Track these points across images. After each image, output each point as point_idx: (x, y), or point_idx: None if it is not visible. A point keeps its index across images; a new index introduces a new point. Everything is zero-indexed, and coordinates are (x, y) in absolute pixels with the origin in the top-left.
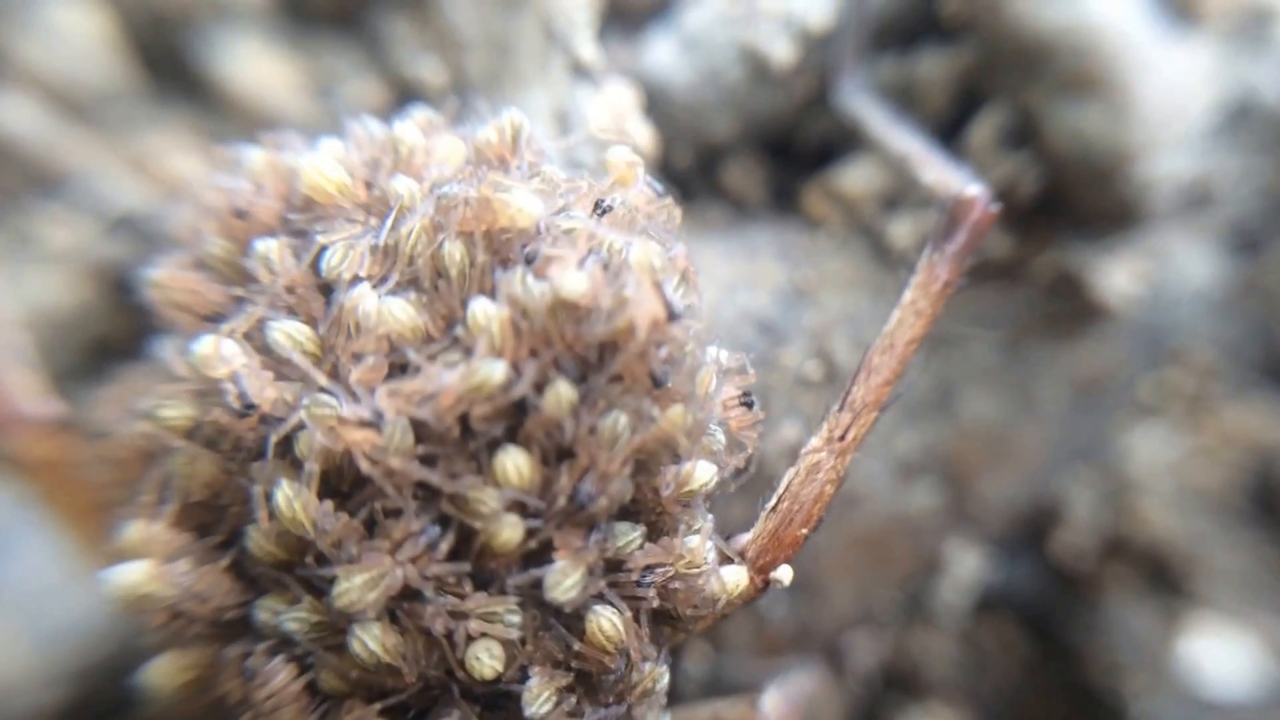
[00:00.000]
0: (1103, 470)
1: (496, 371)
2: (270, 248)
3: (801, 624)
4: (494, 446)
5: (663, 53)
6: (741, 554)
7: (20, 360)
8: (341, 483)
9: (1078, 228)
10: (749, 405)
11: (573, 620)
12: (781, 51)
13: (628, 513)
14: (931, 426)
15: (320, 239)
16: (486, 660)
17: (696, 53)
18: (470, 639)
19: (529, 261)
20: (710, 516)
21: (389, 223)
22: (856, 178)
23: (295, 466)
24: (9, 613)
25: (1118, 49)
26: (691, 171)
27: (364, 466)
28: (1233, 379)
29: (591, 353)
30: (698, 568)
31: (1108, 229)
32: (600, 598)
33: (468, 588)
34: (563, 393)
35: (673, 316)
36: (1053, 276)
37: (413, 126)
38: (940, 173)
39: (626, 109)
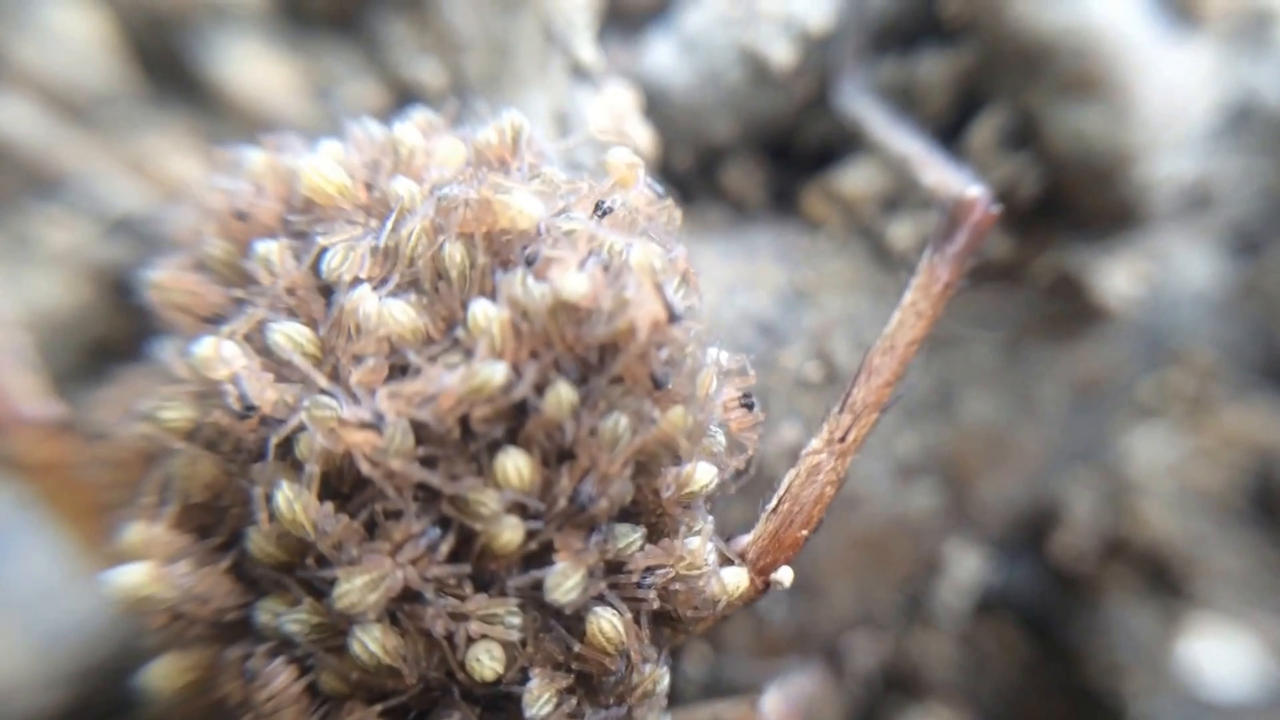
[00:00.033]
0: (1103, 471)
1: (497, 373)
2: (270, 249)
3: (801, 625)
4: (494, 448)
5: (662, 54)
6: (742, 555)
7: (20, 362)
8: (342, 484)
9: (1078, 229)
10: (749, 407)
11: (573, 622)
12: (781, 53)
13: (628, 514)
14: (931, 428)
15: (320, 241)
16: (487, 662)
17: (696, 54)
18: (471, 640)
19: (529, 263)
20: (711, 518)
21: (389, 224)
22: (856, 179)
23: (296, 468)
24: (9, 614)
25: (1118, 50)
26: (691, 173)
27: (364, 468)
28: (1233, 380)
29: (592, 354)
30: (698, 569)
31: (1108, 230)
32: (601, 599)
33: (468, 589)
34: (563, 394)
35: (673, 318)
36: (1053, 278)
37: (412, 128)
38: (941, 174)
39: (626, 110)
